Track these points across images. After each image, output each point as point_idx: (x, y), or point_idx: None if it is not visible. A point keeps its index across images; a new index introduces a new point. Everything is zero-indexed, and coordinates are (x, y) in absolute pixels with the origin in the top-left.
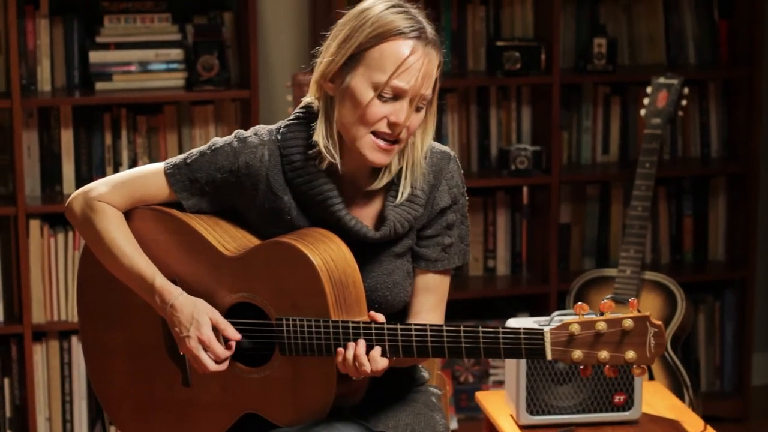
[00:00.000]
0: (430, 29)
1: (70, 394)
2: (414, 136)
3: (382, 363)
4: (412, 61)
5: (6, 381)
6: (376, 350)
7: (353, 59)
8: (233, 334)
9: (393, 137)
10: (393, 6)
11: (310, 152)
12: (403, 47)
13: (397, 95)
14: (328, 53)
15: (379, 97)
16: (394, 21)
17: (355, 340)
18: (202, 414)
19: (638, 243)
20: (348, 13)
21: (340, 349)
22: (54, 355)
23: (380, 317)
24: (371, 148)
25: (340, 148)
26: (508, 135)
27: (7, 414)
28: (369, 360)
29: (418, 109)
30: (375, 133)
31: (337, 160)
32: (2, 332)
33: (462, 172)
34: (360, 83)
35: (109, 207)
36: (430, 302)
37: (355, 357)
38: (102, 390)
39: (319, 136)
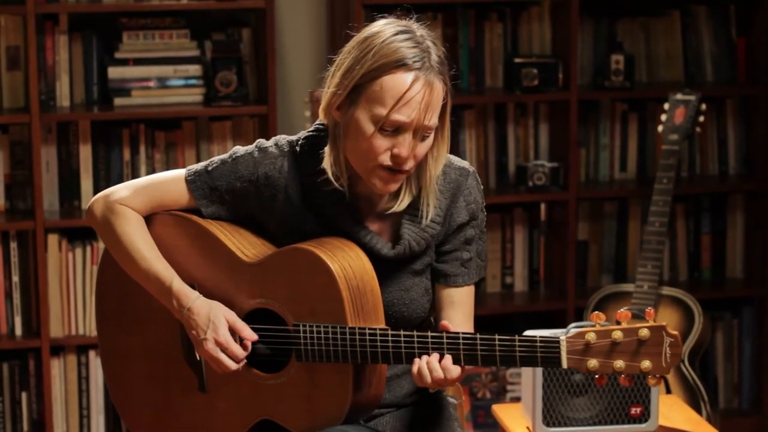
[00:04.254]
0: (435, 55)
1: (87, 409)
2: (426, 162)
3: (455, 370)
4: (412, 94)
5: (24, 395)
6: (448, 359)
7: (356, 91)
8: (250, 335)
9: (397, 167)
10: (398, 33)
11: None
12: (403, 80)
13: (399, 128)
14: (333, 83)
15: (381, 131)
16: (396, 52)
17: (373, 347)
18: (218, 420)
19: (656, 258)
20: (354, 38)
21: (416, 359)
22: (72, 369)
23: (451, 326)
24: (377, 179)
25: (351, 172)
26: (526, 151)
27: (25, 428)
28: (442, 368)
29: (423, 138)
30: (380, 165)
31: (345, 188)
32: (20, 346)
33: (482, 187)
34: (362, 116)
35: (129, 210)
36: (459, 316)
37: (428, 365)
38: (118, 395)
39: (328, 163)
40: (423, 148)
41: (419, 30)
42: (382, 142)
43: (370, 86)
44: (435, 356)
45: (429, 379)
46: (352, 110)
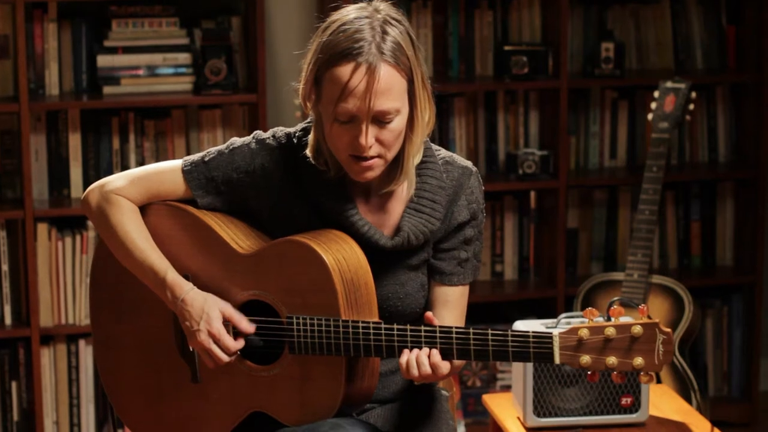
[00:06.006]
0: (390, 40)
1: (77, 398)
2: (402, 144)
3: (445, 366)
4: (354, 83)
5: (14, 384)
6: (435, 354)
7: (316, 83)
8: (246, 327)
9: (364, 155)
10: (355, 18)
11: None
12: (345, 70)
13: (353, 118)
14: (301, 77)
15: (337, 123)
16: (342, 42)
17: (366, 341)
18: (210, 411)
19: (646, 247)
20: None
21: (406, 350)
22: (61, 358)
23: (436, 320)
24: (351, 167)
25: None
26: (516, 139)
27: (15, 418)
28: (432, 365)
29: (384, 123)
30: (348, 156)
31: (328, 167)
32: (10, 336)
33: (483, 188)
34: (322, 110)
35: (124, 200)
36: (450, 317)
37: (417, 359)
38: (111, 384)
39: (309, 148)
40: (389, 133)
41: (384, 10)
42: (342, 134)
43: (322, 81)
44: (425, 350)
45: (416, 373)
46: (317, 103)
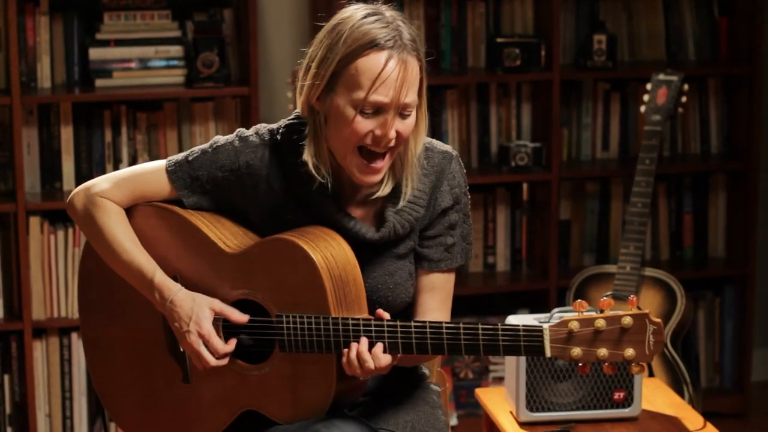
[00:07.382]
0: (407, 33)
1: (70, 391)
2: (407, 141)
3: (385, 359)
4: (388, 73)
5: (6, 377)
6: (378, 347)
7: (333, 78)
8: (239, 317)
9: (381, 149)
10: (366, 16)
11: None
12: (377, 60)
13: (379, 109)
14: (309, 75)
15: (362, 113)
16: (367, 33)
17: (356, 337)
18: (202, 411)
19: (638, 239)
20: (324, 27)
21: (346, 350)
22: (54, 351)
23: (386, 315)
24: (359, 170)
25: (334, 162)
26: (508, 131)
27: (7, 410)
28: (372, 357)
29: (404, 117)
30: (362, 149)
31: (328, 180)
32: (2, 329)
33: (464, 171)
34: (342, 102)
35: (110, 203)
36: (435, 301)
37: (359, 355)
38: (102, 386)
39: (308, 155)
40: (405, 126)
41: (388, 11)
42: (363, 125)
43: (346, 71)
44: (364, 344)
45: (359, 370)
46: (331, 98)
